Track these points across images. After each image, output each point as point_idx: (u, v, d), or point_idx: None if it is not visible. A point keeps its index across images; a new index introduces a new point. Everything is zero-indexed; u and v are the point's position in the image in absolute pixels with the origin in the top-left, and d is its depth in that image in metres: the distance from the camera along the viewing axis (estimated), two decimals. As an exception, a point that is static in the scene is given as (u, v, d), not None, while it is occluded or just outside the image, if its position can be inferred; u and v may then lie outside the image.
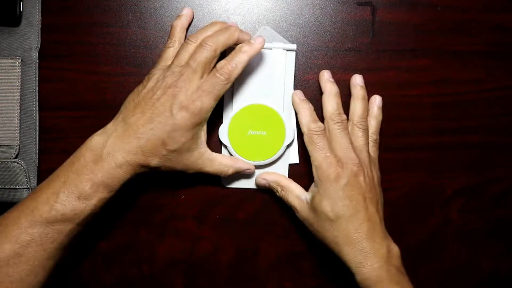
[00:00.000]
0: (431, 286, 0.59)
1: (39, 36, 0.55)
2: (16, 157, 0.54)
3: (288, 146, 0.55)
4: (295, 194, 0.52)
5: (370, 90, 0.57)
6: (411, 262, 0.58)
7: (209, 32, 0.49)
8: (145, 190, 0.57)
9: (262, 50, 0.51)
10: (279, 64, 0.54)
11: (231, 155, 0.54)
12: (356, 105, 0.54)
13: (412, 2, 0.57)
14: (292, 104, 0.54)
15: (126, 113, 0.48)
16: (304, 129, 0.51)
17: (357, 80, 0.55)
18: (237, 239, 0.58)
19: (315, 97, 0.56)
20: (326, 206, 0.49)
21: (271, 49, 0.54)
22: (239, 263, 0.58)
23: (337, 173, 0.49)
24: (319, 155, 0.49)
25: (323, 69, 0.56)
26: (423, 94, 0.57)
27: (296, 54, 0.55)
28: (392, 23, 0.57)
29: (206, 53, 0.47)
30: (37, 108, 0.55)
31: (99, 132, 0.48)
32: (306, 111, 0.52)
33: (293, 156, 0.57)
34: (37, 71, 0.54)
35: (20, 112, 0.54)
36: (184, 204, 0.57)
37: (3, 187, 0.54)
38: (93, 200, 0.46)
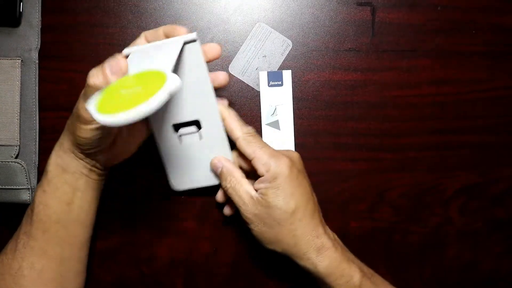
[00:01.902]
0: (431, 286, 0.59)
1: (39, 36, 0.55)
2: (16, 158, 0.54)
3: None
4: (245, 189, 0.49)
5: (370, 90, 0.57)
6: (412, 262, 0.59)
7: None
8: (145, 190, 0.57)
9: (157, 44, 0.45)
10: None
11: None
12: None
13: (412, 2, 0.57)
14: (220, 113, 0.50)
15: None
16: (238, 133, 0.49)
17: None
18: (237, 239, 0.58)
19: (315, 98, 0.56)
20: (284, 199, 0.47)
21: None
22: (239, 263, 0.58)
23: (288, 165, 0.47)
24: (265, 152, 0.48)
25: (323, 69, 0.56)
26: (423, 94, 0.57)
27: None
28: (392, 23, 0.57)
29: None
30: (37, 108, 0.55)
31: None
32: (234, 117, 0.50)
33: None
34: (37, 72, 0.55)
35: (20, 112, 0.54)
36: (184, 204, 0.57)
37: (3, 187, 0.54)
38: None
